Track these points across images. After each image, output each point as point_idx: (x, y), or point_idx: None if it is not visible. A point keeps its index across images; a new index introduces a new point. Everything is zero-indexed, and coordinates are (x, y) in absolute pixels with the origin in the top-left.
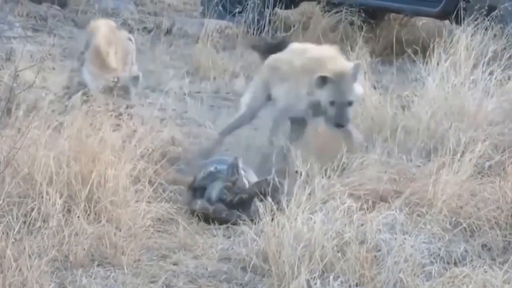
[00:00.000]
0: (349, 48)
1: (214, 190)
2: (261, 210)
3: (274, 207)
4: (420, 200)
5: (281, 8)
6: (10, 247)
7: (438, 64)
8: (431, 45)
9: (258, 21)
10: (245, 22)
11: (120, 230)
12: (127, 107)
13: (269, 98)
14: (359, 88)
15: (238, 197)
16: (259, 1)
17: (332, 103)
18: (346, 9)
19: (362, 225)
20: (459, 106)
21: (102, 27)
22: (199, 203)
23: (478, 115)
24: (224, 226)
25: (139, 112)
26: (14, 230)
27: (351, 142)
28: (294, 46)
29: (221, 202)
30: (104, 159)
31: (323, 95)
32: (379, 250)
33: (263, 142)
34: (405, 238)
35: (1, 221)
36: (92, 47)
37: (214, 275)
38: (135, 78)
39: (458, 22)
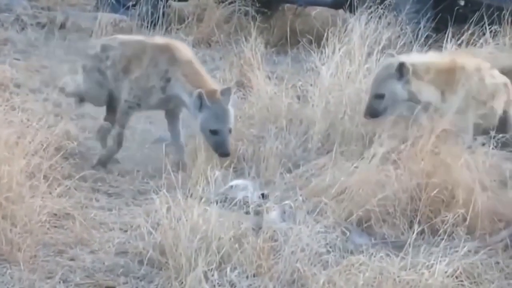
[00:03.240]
0: (244, 39)
1: None
2: (157, 203)
3: (170, 200)
4: (318, 190)
5: (175, 1)
6: None
7: (332, 53)
8: (326, 34)
9: (152, 14)
10: (139, 15)
11: (15, 226)
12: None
13: None
14: None
15: None
16: None
17: None
18: None
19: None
20: (354, 95)
21: None
22: None
23: None
24: (121, 220)
25: (33, 107)
26: None
27: None
28: None
29: None
30: None
31: None
32: (276, 240)
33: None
34: (301, 228)
35: None
36: None
37: (111, 269)
38: None
39: (352, 11)
